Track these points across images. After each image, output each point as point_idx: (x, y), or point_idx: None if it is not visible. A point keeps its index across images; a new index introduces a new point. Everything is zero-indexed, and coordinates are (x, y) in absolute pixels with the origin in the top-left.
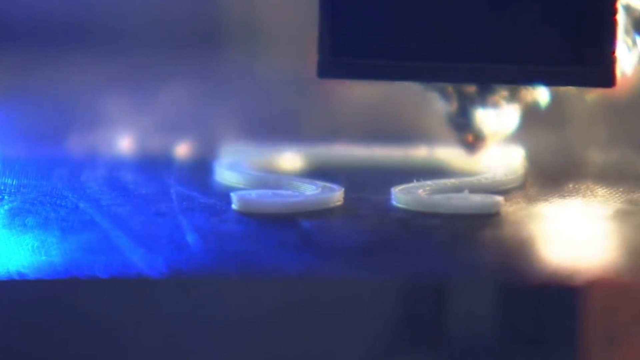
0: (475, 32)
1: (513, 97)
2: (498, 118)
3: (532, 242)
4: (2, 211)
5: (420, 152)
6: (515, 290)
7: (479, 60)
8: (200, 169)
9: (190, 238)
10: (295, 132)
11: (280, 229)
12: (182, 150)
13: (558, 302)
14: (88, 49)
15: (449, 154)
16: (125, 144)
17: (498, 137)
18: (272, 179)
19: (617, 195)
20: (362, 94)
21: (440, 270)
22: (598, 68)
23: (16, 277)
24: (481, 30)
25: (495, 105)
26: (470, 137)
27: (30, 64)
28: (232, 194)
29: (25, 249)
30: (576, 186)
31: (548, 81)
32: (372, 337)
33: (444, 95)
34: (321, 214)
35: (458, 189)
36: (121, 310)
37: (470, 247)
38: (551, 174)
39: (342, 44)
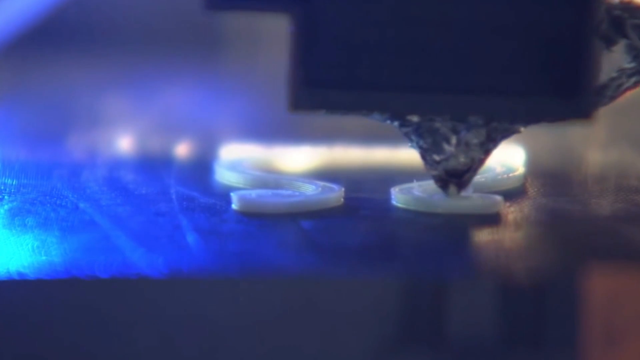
0: (451, 64)
1: (489, 135)
2: (472, 153)
3: (532, 242)
4: (2, 211)
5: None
6: (515, 290)
7: (454, 92)
8: (200, 169)
9: (191, 238)
10: (295, 132)
11: (280, 229)
12: (182, 150)
13: (558, 302)
14: (88, 49)
15: None
16: (125, 144)
17: (473, 173)
18: (272, 179)
19: (617, 195)
20: None
21: (440, 270)
22: (575, 100)
23: (16, 277)
24: (457, 62)
25: (469, 141)
26: (442, 176)
27: (31, 64)
28: (232, 194)
29: (26, 249)
30: (576, 186)
31: (524, 114)
32: (372, 336)
33: (417, 132)
34: (321, 214)
35: None
36: (121, 310)
37: (470, 247)
38: (551, 174)
39: (316, 75)
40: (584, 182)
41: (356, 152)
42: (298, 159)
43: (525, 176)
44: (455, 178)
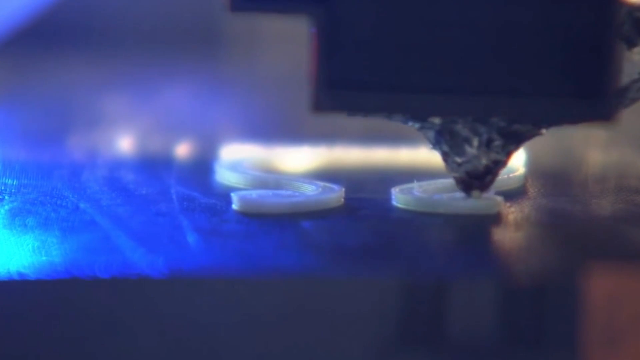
0: (473, 66)
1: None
2: (493, 155)
3: (532, 242)
4: (2, 211)
5: (420, 152)
6: (515, 290)
7: (476, 93)
8: (200, 169)
9: (191, 238)
10: (295, 132)
11: (280, 229)
12: (183, 150)
13: (558, 302)
14: (88, 49)
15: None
16: (125, 144)
17: (495, 175)
18: (272, 179)
19: (617, 195)
20: None
21: (440, 270)
22: (597, 102)
23: (16, 277)
24: (479, 64)
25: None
26: (464, 178)
27: (31, 64)
28: (232, 194)
29: (26, 249)
30: (576, 186)
31: (546, 115)
32: (372, 336)
33: (439, 135)
34: (321, 214)
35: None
36: (121, 310)
37: (469, 247)
38: (552, 174)
39: (339, 77)
40: (584, 182)
41: (356, 152)
42: (298, 159)
43: (525, 176)
44: (477, 180)
